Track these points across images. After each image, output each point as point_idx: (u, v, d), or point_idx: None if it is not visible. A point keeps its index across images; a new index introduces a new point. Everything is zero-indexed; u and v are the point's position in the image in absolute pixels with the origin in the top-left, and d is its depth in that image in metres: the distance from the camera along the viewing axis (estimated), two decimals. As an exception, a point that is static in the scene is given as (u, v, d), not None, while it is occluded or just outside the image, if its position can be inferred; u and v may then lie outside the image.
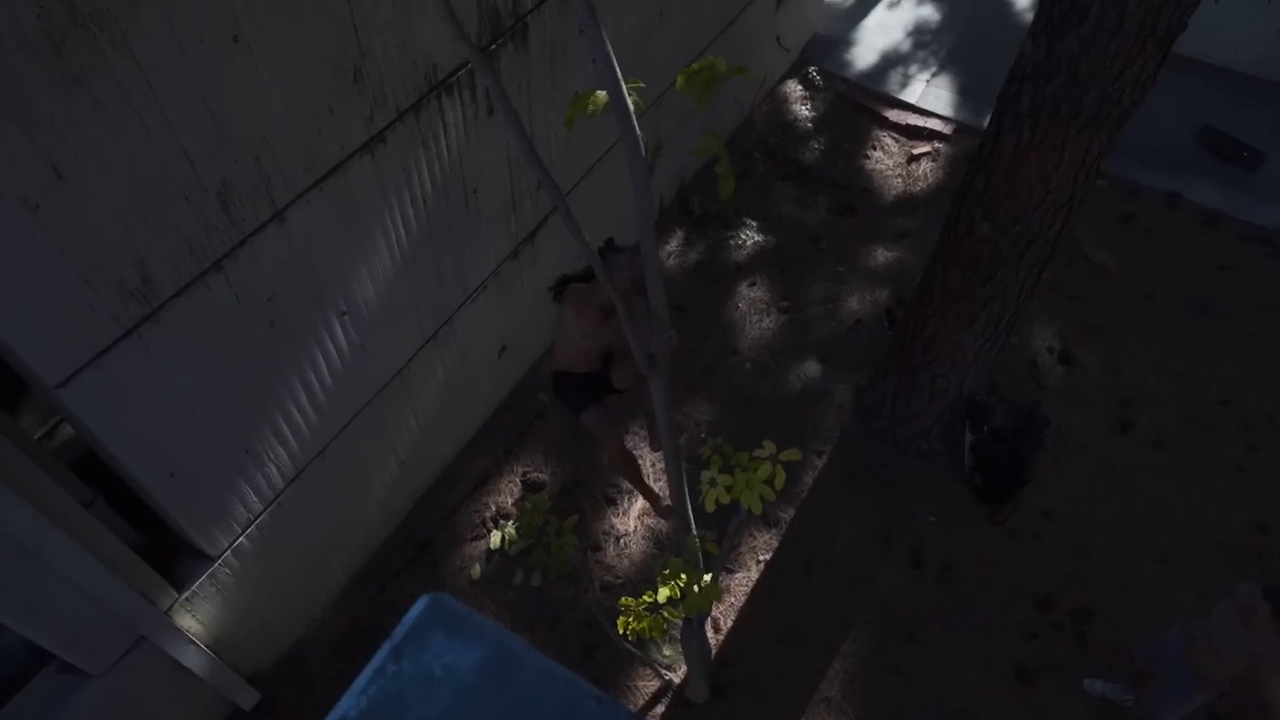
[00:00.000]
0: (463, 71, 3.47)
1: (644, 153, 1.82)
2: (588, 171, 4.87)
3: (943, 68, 7.30)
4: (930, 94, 7.10)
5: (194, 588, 3.39)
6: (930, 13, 7.76)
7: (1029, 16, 7.63)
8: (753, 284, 5.88)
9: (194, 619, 3.47)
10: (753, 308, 5.76)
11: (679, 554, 2.88)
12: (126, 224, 2.41)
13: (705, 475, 2.23)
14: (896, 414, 4.98)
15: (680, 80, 2.04)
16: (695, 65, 1.88)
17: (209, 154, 2.56)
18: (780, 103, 7.06)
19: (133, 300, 2.55)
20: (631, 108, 1.83)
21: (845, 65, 7.33)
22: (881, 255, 6.11)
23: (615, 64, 1.80)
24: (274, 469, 3.51)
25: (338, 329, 3.48)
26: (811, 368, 5.46)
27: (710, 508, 2.20)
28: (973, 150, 6.66)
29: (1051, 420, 4.84)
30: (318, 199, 3.06)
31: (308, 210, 3.04)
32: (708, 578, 2.66)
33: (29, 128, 2.06)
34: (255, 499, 3.48)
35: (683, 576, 2.51)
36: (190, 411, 2.97)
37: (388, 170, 3.34)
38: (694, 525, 2.84)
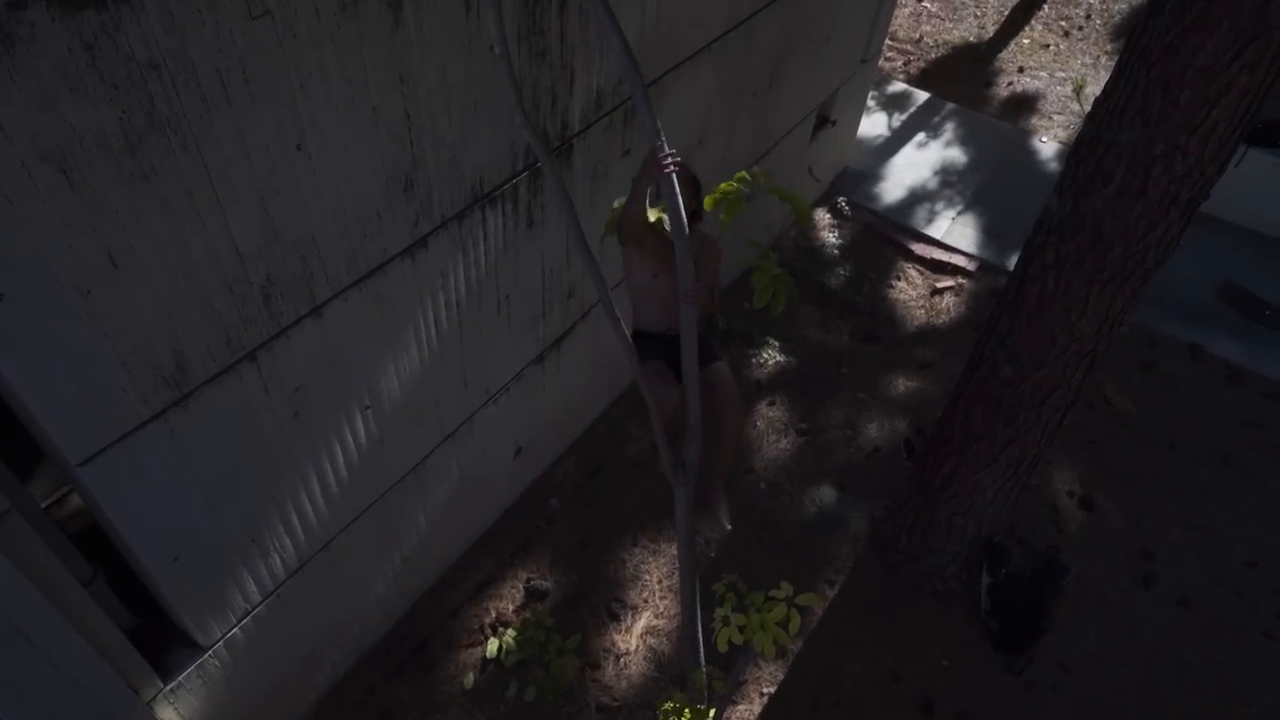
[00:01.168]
0: (507, 185, 3.62)
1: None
2: (615, 285, 4.98)
3: (969, 207, 7.51)
4: (956, 231, 7.28)
5: (181, 678, 3.29)
6: (958, 154, 8.04)
7: (1054, 166, 7.91)
8: (772, 403, 5.89)
9: (175, 712, 3.36)
10: (771, 427, 5.74)
11: (682, 685, 2.78)
12: (171, 312, 2.48)
13: (718, 613, 2.18)
14: (912, 549, 4.87)
15: (709, 201, 2.12)
16: (723, 185, 1.96)
17: (258, 251, 2.65)
18: (809, 229, 7.26)
19: (165, 385, 2.59)
20: (685, 226, 1.93)
21: (874, 198, 7.56)
22: (902, 384, 6.12)
23: (678, 191, 1.89)
24: (278, 559, 3.46)
25: (359, 423, 3.51)
26: (827, 493, 5.39)
27: (722, 648, 2.14)
28: (996, 288, 6.79)
29: (1072, 568, 4.71)
30: (356, 297, 3.14)
31: (345, 307, 3.12)
32: (710, 714, 2.55)
33: (95, 219, 2.16)
34: (255, 589, 3.43)
35: (686, 714, 2.41)
36: (204, 497, 2.97)
37: (426, 273, 3.43)
38: (703, 655, 2.75)
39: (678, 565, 4.31)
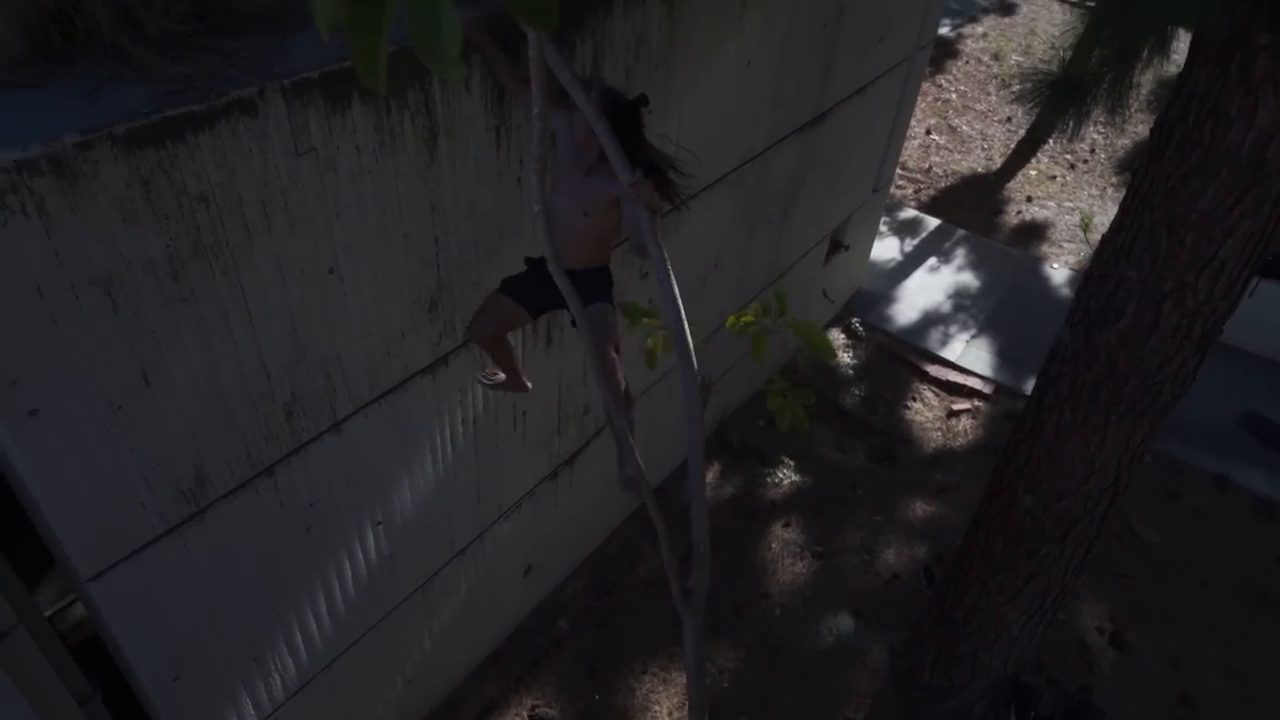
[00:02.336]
0: (529, 306, 3.72)
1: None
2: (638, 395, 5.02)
3: (982, 330, 7.59)
4: (970, 354, 7.33)
5: (167, 807, 3.14)
6: (970, 279, 8.20)
7: (1066, 292, 8.02)
8: (787, 525, 5.79)
9: (158, 844, 3.19)
10: (786, 550, 5.63)
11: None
12: (196, 428, 2.53)
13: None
14: (935, 685, 4.66)
15: (731, 320, 2.17)
16: (747, 315, 2.01)
17: (285, 369, 2.72)
18: (823, 348, 7.34)
19: (183, 500, 2.61)
20: (691, 347, 1.97)
21: (887, 319, 7.67)
22: (920, 508, 6.02)
23: (683, 313, 1.94)
24: (278, 680, 3.37)
25: (370, 538, 3.48)
26: (844, 622, 5.21)
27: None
28: (1013, 411, 6.78)
29: (1105, 713, 4.47)
30: (375, 413, 3.19)
31: (364, 423, 3.16)
32: None
33: (133, 339, 2.24)
34: (252, 712, 3.32)
35: None
36: (209, 613, 2.93)
37: (445, 390, 3.49)
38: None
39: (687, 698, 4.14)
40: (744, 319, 2.14)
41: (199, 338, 2.41)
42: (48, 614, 3.49)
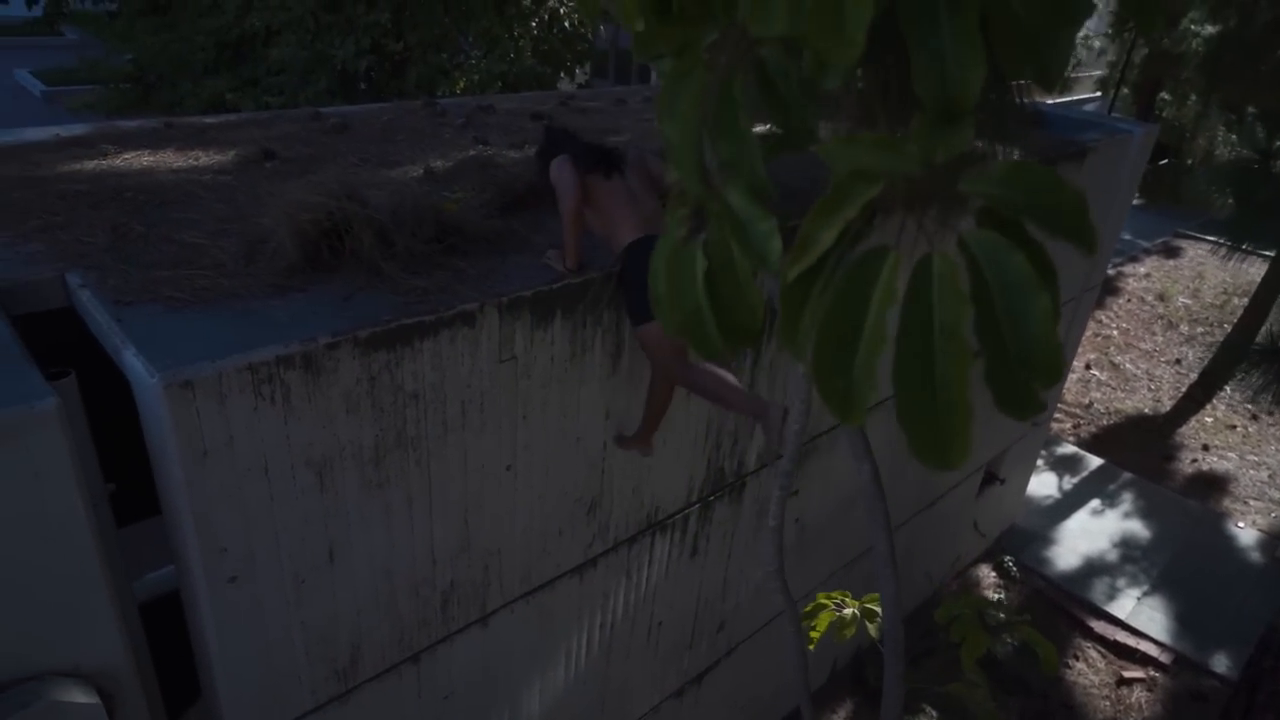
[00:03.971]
0: (679, 515, 3.72)
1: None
2: (766, 623, 4.80)
3: (1156, 588, 6.85)
4: (1143, 614, 6.59)
5: None
6: (1139, 528, 7.54)
7: (1256, 556, 7.20)
8: (927, 788, 5.15)
9: None
10: (925, 819, 4.96)
11: None
12: (362, 607, 2.62)
13: None
14: None
15: (943, 611, 2.06)
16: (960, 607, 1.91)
17: (450, 557, 2.81)
18: (971, 585, 6.82)
19: (335, 678, 2.65)
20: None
21: (1044, 562, 7.09)
22: (1086, 793, 5.22)
23: (892, 552, 1.87)
24: None
25: (492, 740, 3.37)
26: None
27: None
28: (1197, 690, 5.92)
29: None
30: (522, 609, 3.20)
31: (510, 618, 3.16)
32: None
33: (329, 517, 2.40)
34: None
35: None
36: (330, 799, 2.87)
37: (589, 592, 3.47)
38: None
39: None
40: (956, 609, 2.08)
41: (384, 521, 2.54)
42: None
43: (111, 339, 2.10)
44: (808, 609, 2.90)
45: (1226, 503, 8.00)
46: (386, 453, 2.46)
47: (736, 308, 0.80)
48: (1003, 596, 6.74)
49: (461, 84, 7.61)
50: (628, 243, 2.67)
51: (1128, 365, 10.11)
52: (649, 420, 3.03)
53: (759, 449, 3.97)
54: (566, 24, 7.78)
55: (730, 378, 2.74)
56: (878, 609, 2.66)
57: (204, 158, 3.34)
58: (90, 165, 3.09)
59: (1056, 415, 9.08)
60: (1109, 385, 9.85)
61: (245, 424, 2.10)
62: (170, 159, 3.28)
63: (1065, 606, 6.65)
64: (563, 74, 8.47)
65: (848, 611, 2.73)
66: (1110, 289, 11.60)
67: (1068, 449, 8.55)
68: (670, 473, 3.55)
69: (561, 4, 7.71)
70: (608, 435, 3.15)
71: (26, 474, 1.81)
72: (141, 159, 3.23)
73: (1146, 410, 9.42)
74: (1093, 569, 7.04)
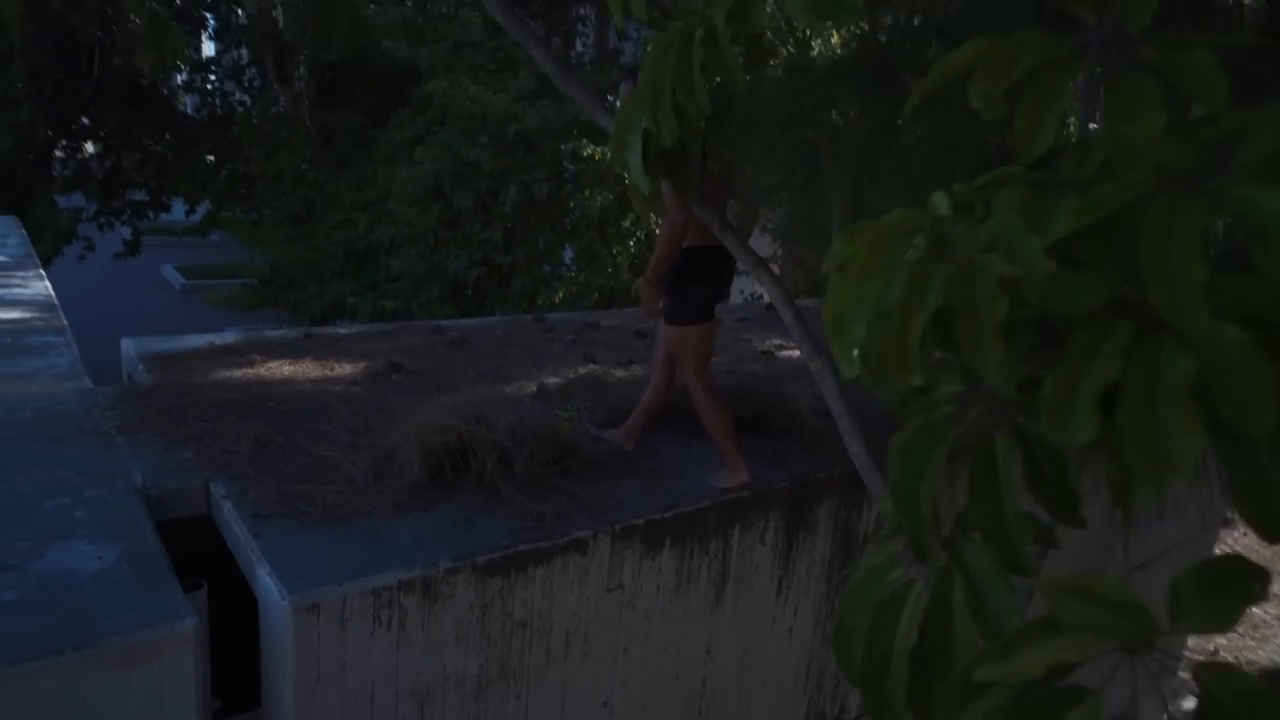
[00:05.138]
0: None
1: None
2: None
3: None
4: None
5: None
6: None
7: None
8: None
9: None
10: None
11: None
12: None
13: None
14: None
15: None
16: None
17: (538, 801, 2.62)
18: None
19: None
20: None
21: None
22: None
23: None
24: None
25: None
26: None
27: None
28: None
29: None
30: None
31: None
32: None
33: (425, 751, 2.30)
34: None
35: None
36: None
37: None
38: None
39: None
40: None
41: (479, 754, 2.42)
42: None
43: (247, 554, 2.16)
44: None
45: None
46: (488, 684, 2.38)
47: (940, 674, 0.75)
48: None
49: (561, 294, 8.12)
50: (689, 246, 2.63)
51: (1255, 611, 9.22)
52: (641, 413, 2.99)
53: (858, 696, 3.69)
54: (662, 243, 8.34)
55: (727, 417, 2.79)
56: None
57: (338, 368, 3.58)
58: (239, 374, 3.35)
59: (1178, 660, 8.24)
60: (1235, 631, 8.94)
61: (360, 649, 2.08)
62: (308, 369, 3.53)
63: None
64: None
65: None
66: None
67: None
68: (768, 714, 3.31)
69: (657, 225, 8.31)
70: (707, 673, 2.99)
71: (152, 695, 1.81)
72: (284, 368, 3.48)
73: (1282, 660, 8.45)
74: None
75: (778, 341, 4.77)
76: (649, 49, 1.60)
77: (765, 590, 3.08)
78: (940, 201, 0.82)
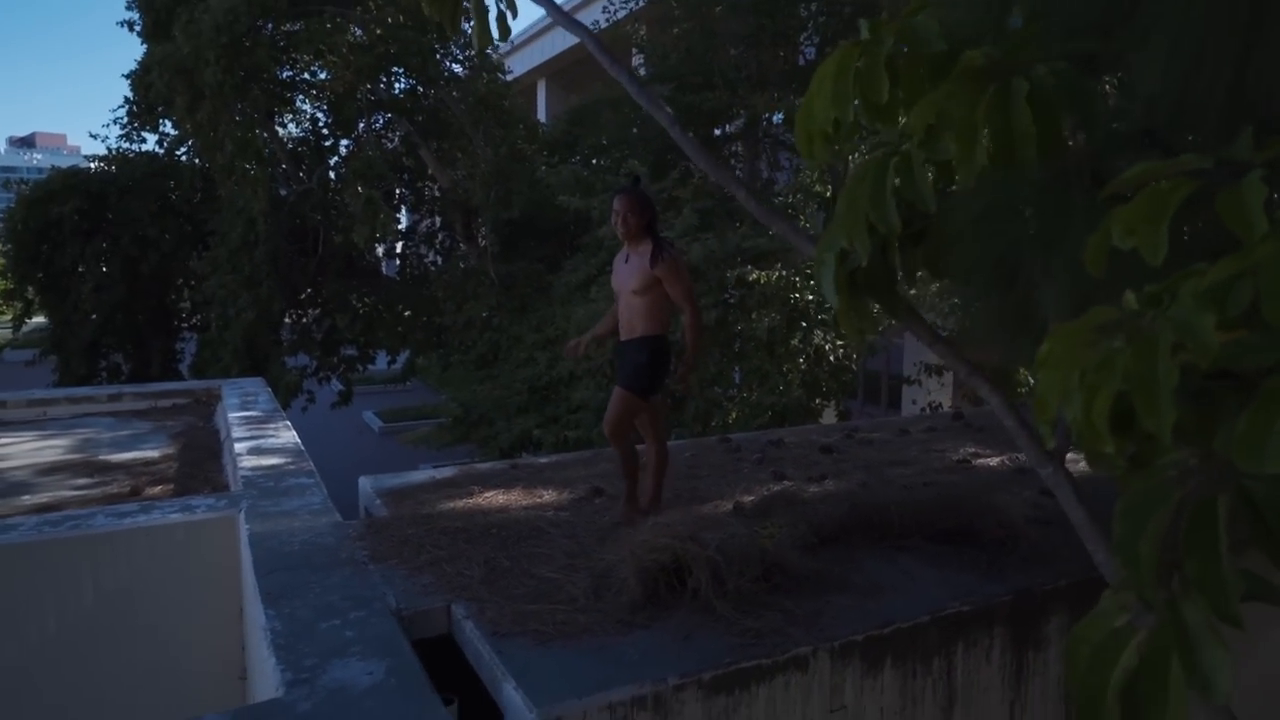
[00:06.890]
0: None
1: None
2: None
3: None
4: None
5: None
6: None
7: None
8: None
9: None
10: None
11: None
12: None
13: None
14: None
15: None
16: None
17: None
18: None
19: None
20: None
21: None
22: None
23: None
24: None
25: None
26: None
27: None
28: None
29: None
30: None
31: None
32: None
33: None
34: None
35: None
36: None
37: None
38: None
39: None
40: None
41: None
42: None
43: (491, 670, 2.33)
44: None
45: None
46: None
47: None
48: None
49: (734, 414, 8.23)
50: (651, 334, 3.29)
51: None
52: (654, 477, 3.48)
53: None
54: (831, 358, 8.34)
55: (635, 462, 3.40)
56: None
57: (545, 495, 3.83)
58: (461, 503, 3.67)
59: None
60: None
61: (597, 766, 2.15)
62: (519, 497, 3.80)
63: None
64: (824, 401, 8.91)
65: None
66: None
67: None
68: None
69: (827, 340, 8.35)
70: (940, 806, 2.79)
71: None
72: (498, 497, 3.77)
73: None
74: None
75: (972, 449, 4.60)
76: (846, 180, 1.76)
77: (997, 715, 2.87)
78: (1131, 299, 0.93)
